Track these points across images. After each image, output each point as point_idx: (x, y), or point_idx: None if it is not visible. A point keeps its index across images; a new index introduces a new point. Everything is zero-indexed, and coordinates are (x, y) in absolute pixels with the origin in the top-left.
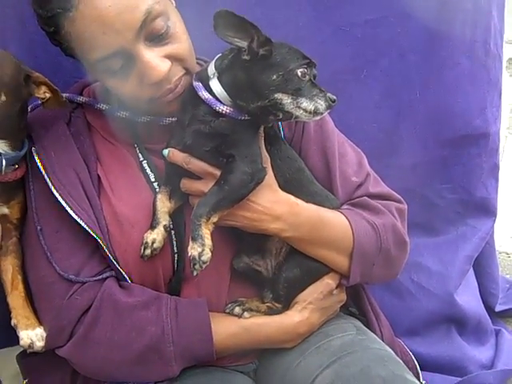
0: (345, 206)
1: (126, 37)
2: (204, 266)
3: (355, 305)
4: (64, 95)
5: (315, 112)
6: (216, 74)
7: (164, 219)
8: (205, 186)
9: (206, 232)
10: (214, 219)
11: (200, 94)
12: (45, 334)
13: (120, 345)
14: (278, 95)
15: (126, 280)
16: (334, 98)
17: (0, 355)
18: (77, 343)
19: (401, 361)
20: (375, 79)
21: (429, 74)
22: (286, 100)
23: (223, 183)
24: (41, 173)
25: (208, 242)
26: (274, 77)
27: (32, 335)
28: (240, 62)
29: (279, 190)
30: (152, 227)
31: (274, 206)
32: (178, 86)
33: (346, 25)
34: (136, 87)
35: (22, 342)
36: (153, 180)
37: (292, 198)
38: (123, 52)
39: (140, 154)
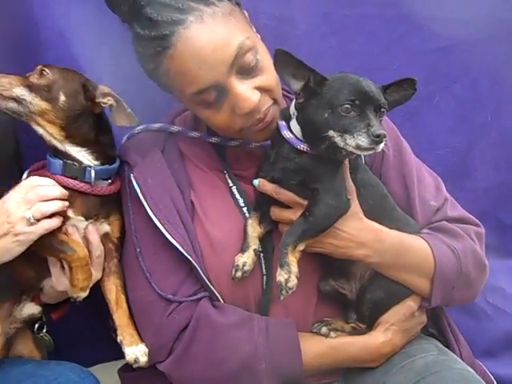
0: (425, 231)
1: (220, 71)
2: (290, 292)
3: (434, 326)
4: (157, 125)
5: (359, 148)
6: (295, 114)
7: (254, 243)
8: (294, 215)
9: (292, 260)
10: (301, 247)
11: (283, 133)
12: (147, 350)
13: (215, 362)
14: (330, 133)
15: (218, 300)
16: (378, 133)
17: (103, 368)
18: (176, 359)
19: (483, 381)
20: (447, 104)
21: (501, 98)
22: (336, 137)
23: (308, 215)
24: (139, 198)
25: (294, 269)
26: (326, 115)
27: (136, 351)
28: (304, 103)
29: (364, 217)
30: (243, 251)
31: (360, 233)
32: (267, 115)
33: (419, 52)
34: (228, 118)
35: (127, 358)
36: (242, 205)
37: (376, 225)
38: (217, 85)
39: (229, 180)
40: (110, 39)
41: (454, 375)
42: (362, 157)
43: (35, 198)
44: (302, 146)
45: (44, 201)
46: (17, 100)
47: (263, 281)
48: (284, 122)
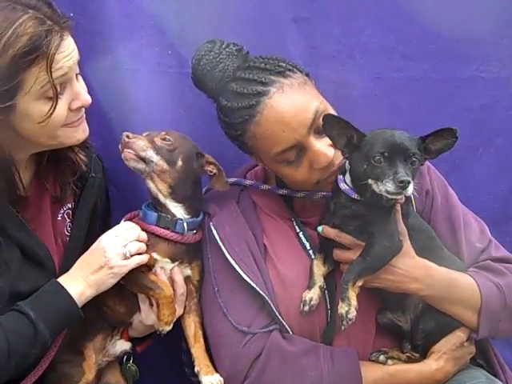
0: (471, 269)
1: (301, 132)
2: (350, 323)
3: (482, 358)
4: (232, 180)
5: (388, 192)
6: (349, 168)
7: (319, 281)
8: (354, 255)
9: (352, 294)
10: (359, 283)
11: (340, 185)
12: (222, 379)
13: None
14: (369, 181)
15: (288, 332)
16: (402, 179)
17: None
18: None
19: None
20: (490, 156)
21: None
22: (373, 185)
23: (365, 255)
24: (218, 243)
25: (354, 302)
26: (365, 166)
27: (212, 379)
28: (349, 158)
29: (416, 256)
30: (309, 287)
31: (413, 269)
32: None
33: (463, 109)
34: (306, 173)
35: None
36: (308, 248)
37: (427, 262)
38: (298, 145)
39: (297, 227)
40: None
41: None
42: (413, 204)
43: (131, 237)
44: (356, 196)
45: (137, 240)
46: (146, 161)
47: (328, 315)
48: (341, 176)
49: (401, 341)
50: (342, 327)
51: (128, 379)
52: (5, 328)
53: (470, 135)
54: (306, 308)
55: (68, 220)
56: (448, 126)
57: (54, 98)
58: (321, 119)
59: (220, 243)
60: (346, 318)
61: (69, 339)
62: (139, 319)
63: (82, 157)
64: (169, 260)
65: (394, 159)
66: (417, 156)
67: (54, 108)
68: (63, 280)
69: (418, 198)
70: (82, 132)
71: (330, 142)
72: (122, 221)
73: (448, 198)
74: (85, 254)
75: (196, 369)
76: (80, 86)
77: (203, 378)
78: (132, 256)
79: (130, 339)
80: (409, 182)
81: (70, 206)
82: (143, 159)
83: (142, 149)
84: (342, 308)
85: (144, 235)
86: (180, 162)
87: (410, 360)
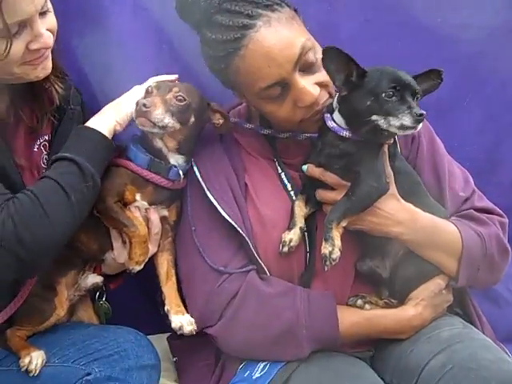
0: (453, 218)
1: (286, 68)
2: (333, 263)
3: (459, 306)
4: None
5: (403, 128)
6: (337, 107)
7: (300, 222)
8: (338, 195)
9: (336, 234)
10: (343, 224)
11: (328, 123)
12: (192, 320)
13: (260, 327)
14: (374, 117)
15: (265, 273)
16: (421, 112)
17: (153, 339)
18: (225, 324)
19: (504, 349)
20: (477, 106)
21: None
22: (380, 120)
23: (351, 194)
24: (197, 179)
25: (338, 242)
26: (369, 103)
27: (182, 320)
28: (347, 96)
29: (401, 199)
30: (289, 228)
31: (397, 212)
32: (325, 107)
33: (453, 58)
34: (290, 110)
35: (173, 325)
36: (289, 189)
37: (412, 206)
38: (282, 81)
39: (279, 167)
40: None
41: (477, 343)
42: (399, 147)
43: None
44: (345, 133)
45: None
46: (161, 126)
47: (306, 257)
48: (328, 114)
49: (379, 288)
50: (325, 268)
51: (101, 316)
52: (49, 175)
53: (457, 84)
54: (285, 249)
55: (45, 152)
56: (435, 67)
57: (8, 39)
58: (307, 55)
59: (200, 179)
60: (329, 258)
61: (40, 274)
62: (112, 257)
63: (58, 88)
64: (146, 203)
65: (404, 95)
66: (420, 93)
67: (9, 49)
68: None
69: (404, 143)
70: (41, 70)
71: (316, 81)
72: None
73: (434, 145)
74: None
75: (166, 308)
76: (45, 24)
77: (173, 318)
78: None
79: (103, 276)
80: (425, 116)
81: (46, 137)
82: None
83: (159, 119)
84: (326, 248)
85: None
86: (192, 119)
87: (387, 306)
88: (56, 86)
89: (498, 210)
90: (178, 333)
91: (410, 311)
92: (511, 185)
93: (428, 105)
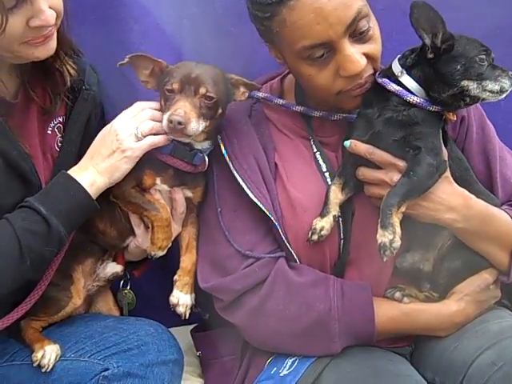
0: (505, 206)
1: (336, 30)
2: (394, 252)
3: (508, 299)
4: None
5: (501, 91)
6: (404, 71)
7: (334, 210)
8: (386, 176)
9: (395, 221)
10: (403, 208)
11: (390, 87)
12: (190, 304)
13: (290, 318)
14: (464, 82)
15: (295, 260)
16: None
17: (177, 332)
18: (251, 313)
19: None
20: None
21: None
22: (472, 85)
23: (412, 174)
24: (224, 158)
25: (398, 229)
26: (458, 67)
27: (181, 298)
28: (426, 59)
29: (454, 183)
30: (322, 215)
31: (450, 197)
32: (367, 82)
33: (497, 27)
34: (330, 78)
35: (170, 297)
36: (324, 170)
37: (466, 191)
38: (329, 43)
39: (314, 146)
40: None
41: None
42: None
43: (145, 117)
44: (413, 98)
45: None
46: (196, 134)
47: (340, 245)
48: (388, 79)
49: (420, 280)
50: (385, 258)
51: (124, 306)
52: (14, 225)
53: (503, 56)
54: (315, 237)
55: (59, 135)
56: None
57: (3, 13)
58: (362, 22)
59: (227, 158)
60: (389, 247)
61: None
62: (134, 243)
63: (70, 68)
64: (167, 187)
65: (491, 61)
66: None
67: (5, 23)
68: (72, 171)
69: (453, 125)
70: (42, 50)
71: (365, 51)
72: None
73: (484, 128)
74: (94, 141)
75: (175, 277)
76: (48, 1)
77: (174, 291)
78: (145, 137)
79: (125, 263)
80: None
81: (60, 119)
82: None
83: (195, 130)
84: (385, 236)
85: (158, 114)
86: (220, 111)
87: (428, 299)
88: (67, 66)
89: None
90: (171, 308)
91: (453, 306)
92: None
93: None
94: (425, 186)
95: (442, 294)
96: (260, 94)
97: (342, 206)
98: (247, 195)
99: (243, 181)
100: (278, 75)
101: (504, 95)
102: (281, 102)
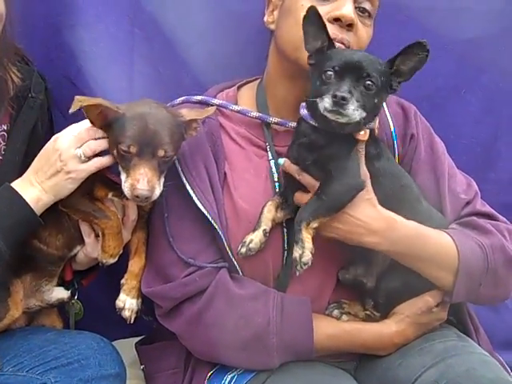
0: (453, 225)
1: None
2: (305, 267)
3: (454, 315)
4: (198, 98)
5: (326, 110)
6: None
7: (266, 224)
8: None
9: (306, 236)
10: (314, 225)
11: (300, 111)
12: (136, 309)
13: (228, 330)
14: (318, 99)
15: (237, 272)
16: (340, 95)
17: (119, 344)
18: (189, 322)
19: (501, 366)
20: (475, 96)
21: None
22: (319, 104)
23: (320, 193)
24: (175, 164)
25: (308, 245)
26: (318, 83)
27: (127, 302)
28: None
29: (378, 205)
30: (254, 229)
31: (372, 220)
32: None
33: (447, 43)
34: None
35: (117, 301)
36: (276, 180)
37: (391, 214)
38: None
39: (269, 154)
40: None
41: (475, 359)
42: (395, 147)
43: (86, 136)
44: (313, 122)
45: (94, 139)
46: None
47: (284, 257)
48: (304, 103)
49: (364, 296)
50: (297, 272)
51: (71, 317)
52: None
53: (453, 72)
54: (243, 250)
55: (3, 143)
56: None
57: None
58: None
59: (177, 164)
60: (299, 262)
61: None
62: (83, 252)
63: (14, 76)
64: (118, 200)
65: (344, 77)
66: (373, 79)
67: None
68: (16, 184)
69: (402, 142)
70: None
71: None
72: None
73: (433, 146)
74: (39, 154)
75: (122, 281)
76: None
77: (121, 295)
78: (89, 158)
79: (74, 273)
80: (345, 99)
81: (5, 127)
82: None
83: (158, 194)
84: (296, 251)
85: (101, 133)
86: (174, 157)
87: (368, 319)
88: (11, 74)
89: (503, 217)
90: (117, 312)
91: (393, 327)
92: (509, 182)
93: (423, 96)
94: (337, 204)
95: (383, 313)
96: (215, 101)
97: (288, 221)
98: (194, 203)
99: (191, 188)
100: (233, 85)
101: (331, 116)
102: (237, 108)
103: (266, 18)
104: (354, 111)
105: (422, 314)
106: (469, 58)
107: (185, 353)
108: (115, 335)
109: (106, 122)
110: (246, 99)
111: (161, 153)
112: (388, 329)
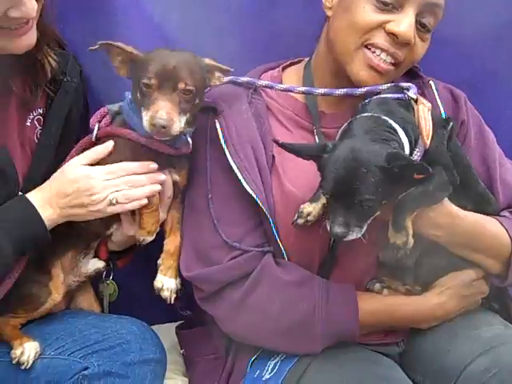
0: (504, 212)
1: None
2: (408, 253)
3: (497, 302)
4: (244, 79)
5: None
6: None
7: (324, 199)
8: None
9: (410, 224)
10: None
11: None
12: (175, 288)
13: (273, 316)
14: None
15: (283, 257)
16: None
17: (161, 329)
18: (232, 306)
19: None
20: None
21: None
22: None
23: (427, 184)
24: (221, 144)
25: (411, 231)
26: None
27: (166, 282)
28: None
29: (446, 200)
30: (311, 201)
31: (438, 214)
32: (398, 57)
33: (485, 26)
34: (375, 22)
35: (155, 282)
36: None
37: (454, 208)
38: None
39: (316, 137)
40: None
41: None
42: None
43: (124, 184)
44: None
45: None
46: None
47: (330, 243)
48: None
49: (403, 274)
50: (399, 255)
51: (105, 297)
52: None
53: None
54: (300, 221)
55: (39, 127)
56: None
57: None
58: (428, 17)
59: (224, 145)
60: (404, 248)
61: (33, 257)
62: (120, 231)
63: (52, 60)
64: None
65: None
66: (188, 87)
67: None
68: (35, 199)
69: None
70: (21, 42)
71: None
72: (95, 128)
73: (483, 134)
74: (66, 179)
75: (158, 261)
76: None
77: (158, 276)
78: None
79: (108, 257)
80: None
81: (40, 111)
82: None
83: (178, 131)
84: (398, 238)
85: (137, 179)
86: (197, 101)
87: (409, 292)
88: (49, 58)
89: None
90: (156, 293)
91: (433, 299)
92: None
93: (460, 78)
94: (440, 196)
95: (424, 287)
96: (261, 82)
97: None
98: (241, 185)
99: (238, 170)
100: (277, 66)
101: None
102: (283, 86)
103: (324, 0)
104: None
105: (464, 286)
106: (507, 41)
107: (226, 338)
108: (151, 321)
109: (130, 69)
110: (291, 81)
111: (181, 85)
112: (428, 301)
